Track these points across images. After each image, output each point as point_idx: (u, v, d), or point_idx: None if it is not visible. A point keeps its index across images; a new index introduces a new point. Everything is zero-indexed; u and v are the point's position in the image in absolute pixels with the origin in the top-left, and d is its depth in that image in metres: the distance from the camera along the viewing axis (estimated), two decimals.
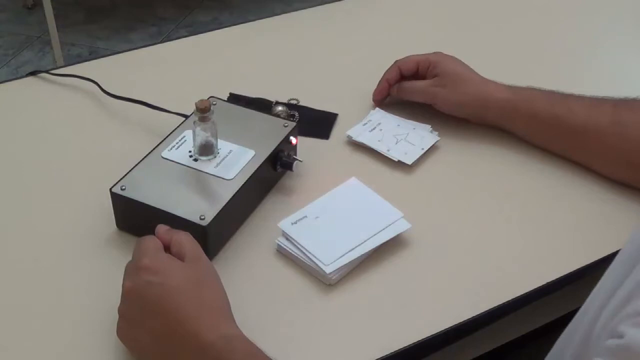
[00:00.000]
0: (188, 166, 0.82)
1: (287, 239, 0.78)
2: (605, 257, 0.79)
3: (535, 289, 0.77)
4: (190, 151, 0.83)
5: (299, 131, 0.89)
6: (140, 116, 0.96)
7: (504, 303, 0.75)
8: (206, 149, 0.82)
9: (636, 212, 0.84)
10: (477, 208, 0.86)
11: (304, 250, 0.77)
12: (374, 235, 0.78)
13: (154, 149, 0.84)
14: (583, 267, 0.79)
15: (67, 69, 1.06)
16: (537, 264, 0.80)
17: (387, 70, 0.98)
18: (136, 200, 0.77)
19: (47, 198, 0.86)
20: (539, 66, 1.10)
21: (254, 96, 1.00)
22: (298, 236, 0.78)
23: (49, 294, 0.75)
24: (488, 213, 0.86)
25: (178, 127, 0.87)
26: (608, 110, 0.87)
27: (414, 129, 0.94)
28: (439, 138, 0.93)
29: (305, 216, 0.80)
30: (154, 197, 0.77)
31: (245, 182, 0.80)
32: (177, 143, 0.84)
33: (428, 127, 0.95)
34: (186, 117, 0.89)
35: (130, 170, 0.80)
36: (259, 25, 1.20)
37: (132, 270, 0.68)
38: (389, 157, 0.91)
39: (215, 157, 0.82)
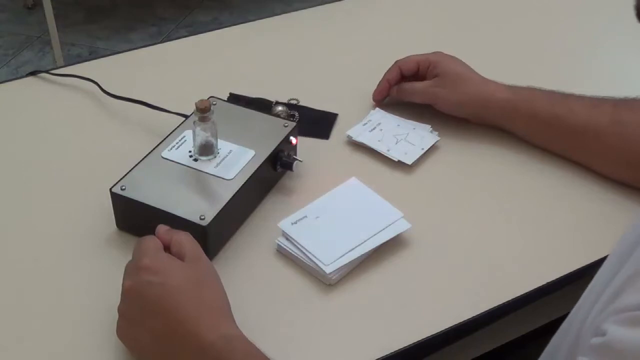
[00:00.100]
0: (188, 166, 0.82)
1: (287, 239, 0.78)
2: (605, 257, 0.78)
3: (535, 289, 0.77)
4: (190, 151, 0.83)
5: (299, 131, 0.89)
6: (140, 116, 0.96)
7: (504, 303, 0.75)
8: (206, 149, 0.82)
9: (636, 212, 0.84)
10: (477, 208, 0.86)
11: (304, 250, 0.77)
12: (374, 235, 0.78)
13: (154, 149, 0.84)
14: (583, 267, 0.79)
15: (67, 69, 1.06)
16: (537, 264, 0.80)
17: (387, 71, 0.98)
18: (136, 200, 0.77)
19: (47, 198, 0.86)
20: (539, 66, 1.10)
21: (254, 96, 1.00)
22: (298, 236, 0.78)
23: (49, 294, 0.75)
24: (488, 213, 0.86)
25: (178, 127, 0.87)
26: (608, 110, 0.87)
27: (414, 129, 0.94)
28: (439, 138, 0.93)
29: (305, 216, 0.80)
30: (154, 197, 0.77)
31: (245, 182, 0.80)
32: (177, 143, 0.84)
33: (428, 127, 0.95)
34: (186, 117, 0.89)
35: (130, 170, 0.80)
36: (259, 25, 1.20)
37: (132, 270, 0.68)
38: (389, 157, 0.91)
39: (215, 157, 0.82)
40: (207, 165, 0.82)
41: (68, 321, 0.73)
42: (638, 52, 1.14)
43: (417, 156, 0.91)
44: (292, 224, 0.79)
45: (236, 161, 0.82)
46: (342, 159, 0.92)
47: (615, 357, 0.48)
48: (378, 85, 0.99)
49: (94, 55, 2.64)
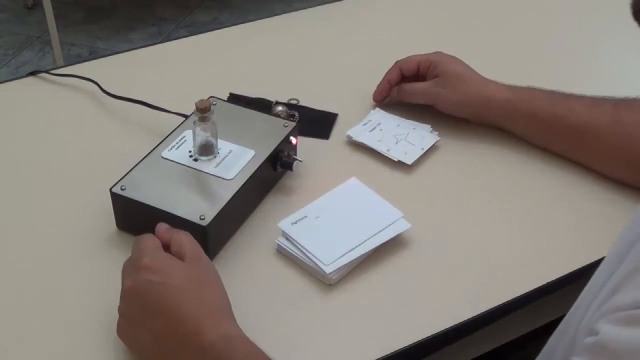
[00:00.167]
0: (188, 166, 0.82)
1: (287, 239, 0.78)
2: (605, 257, 0.79)
3: (535, 289, 0.77)
4: (190, 151, 0.83)
5: (299, 131, 0.89)
6: (140, 116, 0.96)
7: (504, 303, 0.75)
8: (206, 149, 0.82)
9: (635, 212, 0.84)
10: (477, 208, 0.86)
11: (304, 250, 0.77)
12: (374, 235, 0.78)
13: (154, 149, 0.84)
14: (583, 267, 0.79)
15: (67, 69, 1.06)
16: (537, 264, 0.80)
17: (388, 71, 0.98)
18: (136, 200, 0.77)
19: (47, 198, 0.86)
20: (539, 66, 1.10)
21: (254, 96, 1.00)
22: (298, 236, 0.78)
23: (48, 294, 0.75)
24: (488, 213, 0.86)
25: (178, 127, 0.87)
26: (608, 110, 0.87)
27: (414, 129, 0.94)
28: (439, 138, 0.93)
29: (305, 216, 0.80)
30: (154, 197, 0.77)
31: (245, 182, 0.80)
32: (177, 143, 0.84)
33: (428, 127, 0.95)
34: (186, 117, 0.89)
35: (130, 170, 0.80)
36: (259, 25, 1.20)
37: (132, 269, 0.68)
38: (389, 157, 0.91)
39: (215, 157, 0.82)
40: (207, 165, 0.82)
41: (68, 321, 0.73)
42: (638, 52, 1.14)
43: (417, 156, 0.91)
44: (292, 224, 0.79)
45: (236, 161, 0.82)
46: (342, 159, 0.92)
47: (608, 356, 0.48)
48: (378, 85, 0.99)
49: (94, 55, 2.64)
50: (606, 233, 0.81)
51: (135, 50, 1.13)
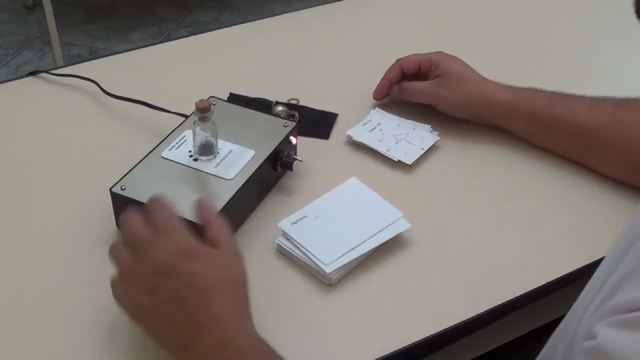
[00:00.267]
0: (188, 166, 0.82)
1: (287, 238, 0.78)
2: (605, 257, 0.79)
3: (535, 289, 0.77)
4: (190, 151, 0.83)
5: (299, 131, 0.89)
6: (140, 116, 0.96)
7: (504, 303, 0.75)
8: (206, 149, 0.82)
9: (635, 212, 0.84)
10: (477, 208, 0.86)
11: (304, 250, 0.77)
12: (374, 235, 0.78)
13: (154, 149, 0.84)
14: (583, 267, 0.79)
15: (67, 69, 1.06)
16: (537, 264, 0.80)
17: (388, 69, 0.98)
18: (136, 200, 0.77)
19: (47, 198, 0.86)
20: (539, 66, 1.10)
21: (254, 96, 1.00)
22: (298, 236, 0.78)
23: (48, 294, 0.75)
24: (488, 213, 0.86)
25: (178, 127, 0.87)
26: (608, 110, 0.87)
27: (414, 129, 0.94)
28: (439, 138, 0.93)
29: (305, 216, 0.80)
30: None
31: (245, 182, 0.80)
32: (177, 143, 0.84)
33: (428, 127, 0.95)
34: (186, 117, 0.89)
35: (130, 170, 0.80)
36: (259, 25, 1.20)
37: (166, 244, 0.64)
38: (389, 157, 0.91)
39: (215, 157, 0.82)
40: (207, 165, 0.82)
41: (68, 321, 0.73)
42: (638, 52, 1.14)
43: (417, 156, 0.91)
44: (292, 223, 0.79)
45: (236, 161, 0.82)
46: (342, 159, 0.92)
47: None
48: (379, 84, 0.99)
49: (94, 55, 2.64)
50: (606, 233, 0.81)
51: (135, 50, 1.13)
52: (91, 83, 1.00)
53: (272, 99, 0.99)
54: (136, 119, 0.96)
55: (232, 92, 1.00)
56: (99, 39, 2.77)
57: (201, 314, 0.62)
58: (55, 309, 0.74)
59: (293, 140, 0.87)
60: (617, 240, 0.62)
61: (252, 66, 1.09)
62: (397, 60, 0.98)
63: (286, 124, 0.87)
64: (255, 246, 0.80)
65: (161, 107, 0.94)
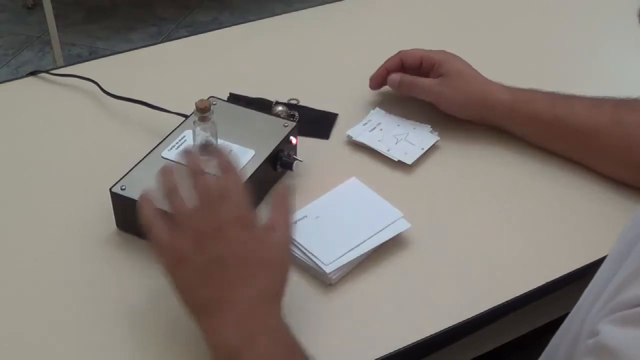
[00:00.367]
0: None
1: None
2: (605, 257, 0.79)
3: (535, 289, 0.77)
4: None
5: (299, 131, 0.89)
6: (140, 116, 0.96)
7: (504, 303, 0.75)
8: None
9: (635, 212, 0.84)
10: (477, 208, 0.86)
11: (304, 250, 0.77)
12: (374, 235, 0.78)
13: (154, 148, 0.84)
14: (583, 267, 0.79)
15: (67, 69, 1.06)
16: (537, 264, 0.80)
17: (388, 59, 0.98)
18: (136, 200, 0.77)
19: (47, 198, 0.86)
20: (539, 66, 1.10)
21: (254, 96, 1.00)
22: (298, 236, 0.77)
23: (48, 294, 0.75)
24: (488, 213, 0.86)
25: (178, 127, 0.87)
26: (608, 110, 0.87)
27: (414, 129, 0.94)
28: (439, 138, 0.93)
29: (305, 216, 0.80)
30: (154, 197, 0.77)
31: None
32: (177, 143, 0.84)
33: (428, 127, 0.95)
34: (186, 117, 0.89)
35: (130, 170, 0.80)
36: (259, 25, 1.20)
37: (228, 209, 0.65)
38: (389, 157, 0.91)
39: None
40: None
41: (68, 321, 0.73)
42: (638, 52, 1.14)
43: (417, 156, 0.91)
44: None
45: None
46: (342, 159, 0.92)
47: (610, 357, 0.48)
48: (375, 71, 0.98)
49: (94, 55, 2.64)
50: (606, 233, 0.81)
51: (135, 50, 1.13)
52: (91, 83, 1.00)
53: (272, 99, 0.99)
54: (136, 119, 0.96)
55: (232, 92, 1.00)
56: (99, 39, 2.77)
57: (236, 285, 0.63)
58: (55, 309, 0.74)
59: (293, 140, 0.87)
60: (617, 240, 0.62)
61: (252, 66, 1.09)
62: (399, 52, 0.97)
63: (286, 124, 0.87)
64: None
65: (161, 107, 0.94)
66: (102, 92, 0.99)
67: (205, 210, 0.65)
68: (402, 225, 0.80)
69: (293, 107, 0.98)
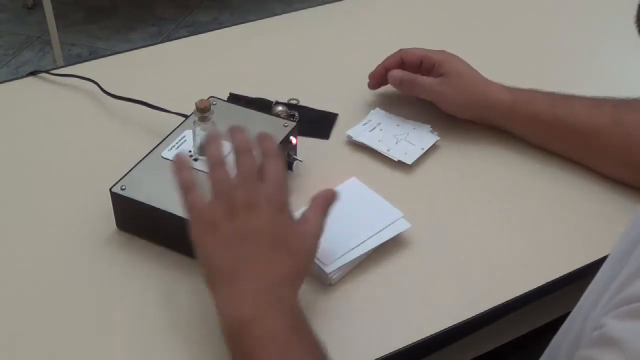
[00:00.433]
0: None
1: None
2: (605, 257, 0.78)
3: (535, 288, 0.77)
4: (190, 151, 0.83)
5: (299, 131, 0.89)
6: (140, 116, 0.96)
7: (504, 303, 0.75)
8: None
9: (635, 212, 0.84)
10: (477, 208, 0.86)
11: None
12: (374, 235, 0.78)
13: (154, 148, 0.84)
14: (583, 267, 0.79)
15: (67, 69, 1.06)
16: (537, 264, 0.80)
17: (388, 57, 0.97)
18: (136, 200, 0.77)
19: (47, 198, 0.86)
20: (539, 66, 1.10)
21: (254, 96, 1.00)
22: None
23: (48, 294, 0.75)
24: (488, 213, 0.86)
25: (178, 127, 0.87)
26: (608, 110, 0.88)
27: (414, 129, 0.94)
28: (439, 138, 0.93)
29: None
30: (154, 197, 0.77)
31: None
32: (177, 143, 0.84)
33: (428, 127, 0.95)
34: (186, 117, 0.89)
35: (130, 170, 0.80)
36: (259, 25, 1.20)
37: (266, 191, 0.67)
38: (389, 157, 0.91)
39: None
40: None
41: (68, 321, 0.73)
42: (638, 52, 1.14)
43: (417, 156, 0.91)
44: None
45: None
46: (342, 159, 0.92)
47: (614, 347, 0.49)
48: (375, 69, 0.98)
49: (94, 55, 2.64)
50: (606, 233, 0.81)
51: (135, 50, 1.13)
52: (91, 83, 1.00)
53: (272, 99, 0.99)
54: (136, 119, 0.96)
55: (232, 92, 1.00)
56: (99, 39, 2.77)
57: (257, 261, 0.65)
58: (55, 309, 0.74)
59: (293, 140, 0.87)
60: (619, 240, 0.62)
61: (252, 66, 1.09)
62: (399, 50, 0.97)
63: (286, 124, 0.87)
64: None
65: (161, 107, 0.94)
66: (102, 92, 0.99)
67: (243, 186, 0.68)
68: (402, 225, 0.80)
69: (293, 107, 0.98)
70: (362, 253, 0.77)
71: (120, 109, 0.98)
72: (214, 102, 0.90)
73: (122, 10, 2.94)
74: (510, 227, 0.84)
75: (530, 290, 0.77)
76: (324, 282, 0.76)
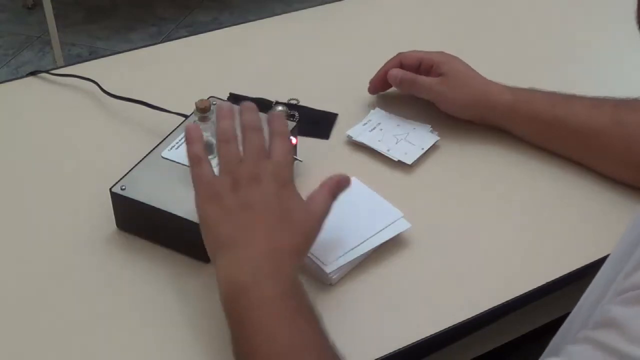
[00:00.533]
0: (188, 166, 0.81)
1: None
2: (605, 257, 0.78)
3: (536, 288, 0.77)
4: None
5: (299, 131, 0.89)
6: (140, 116, 0.96)
7: (504, 303, 0.75)
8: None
9: (636, 212, 0.84)
10: (477, 208, 0.86)
11: None
12: (374, 235, 0.78)
13: (154, 148, 0.84)
14: (583, 267, 0.79)
15: (67, 69, 1.06)
16: (538, 263, 0.80)
17: (387, 62, 0.98)
18: (136, 200, 0.77)
19: (47, 198, 0.86)
20: (539, 66, 1.10)
21: (254, 96, 1.00)
22: None
23: (48, 294, 0.75)
24: (488, 213, 0.86)
25: (178, 127, 0.87)
26: (608, 110, 0.88)
27: (414, 129, 0.94)
28: (439, 138, 0.93)
29: None
30: (154, 197, 0.77)
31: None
32: (177, 143, 0.84)
33: (428, 127, 0.95)
34: (186, 117, 0.89)
35: (130, 170, 0.80)
36: (259, 25, 1.20)
37: (273, 168, 0.69)
38: (389, 157, 0.91)
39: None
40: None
41: (68, 321, 0.73)
42: (638, 52, 1.14)
43: (417, 156, 0.91)
44: None
45: None
46: (342, 159, 0.92)
47: (613, 329, 0.49)
48: (375, 75, 0.98)
49: (94, 55, 2.64)
50: (606, 233, 0.81)
51: (135, 50, 1.13)
52: (91, 83, 1.00)
53: (272, 99, 0.99)
54: (136, 119, 0.96)
55: (232, 92, 1.00)
56: (99, 39, 2.77)
57: (258, 230, 0.66)
58: (55, 309, 0.74)
59: (293, 140, 0.87)
60: (620, 240, 0.62)
61: (252, 66, 1.09)
62: (398, 54, 0.97)
63: None
64: None
65: (161, 107, 0.94)
66: (102, 92, 0.99)
67: (249, 162, 0.70)
68: (402, 225, 0.80)
69: (293, 107, 0.98)
70: (362, 253, 0.77)
71: (120, 109, 0.98)
72: (214, 102, 0.90)
73: (122, 10, 2.94)
74: (510, 227, 0.84)
75: (530, 290, 0.77)
76: (324, 282, 0.76)
